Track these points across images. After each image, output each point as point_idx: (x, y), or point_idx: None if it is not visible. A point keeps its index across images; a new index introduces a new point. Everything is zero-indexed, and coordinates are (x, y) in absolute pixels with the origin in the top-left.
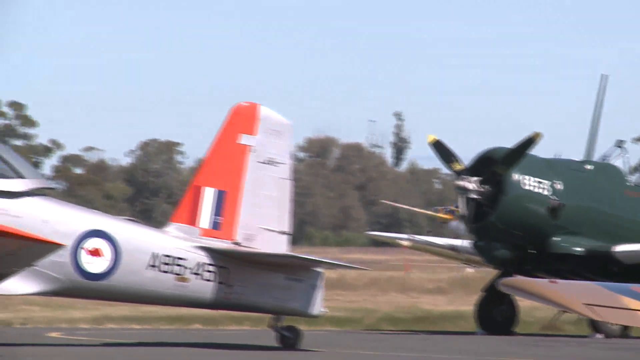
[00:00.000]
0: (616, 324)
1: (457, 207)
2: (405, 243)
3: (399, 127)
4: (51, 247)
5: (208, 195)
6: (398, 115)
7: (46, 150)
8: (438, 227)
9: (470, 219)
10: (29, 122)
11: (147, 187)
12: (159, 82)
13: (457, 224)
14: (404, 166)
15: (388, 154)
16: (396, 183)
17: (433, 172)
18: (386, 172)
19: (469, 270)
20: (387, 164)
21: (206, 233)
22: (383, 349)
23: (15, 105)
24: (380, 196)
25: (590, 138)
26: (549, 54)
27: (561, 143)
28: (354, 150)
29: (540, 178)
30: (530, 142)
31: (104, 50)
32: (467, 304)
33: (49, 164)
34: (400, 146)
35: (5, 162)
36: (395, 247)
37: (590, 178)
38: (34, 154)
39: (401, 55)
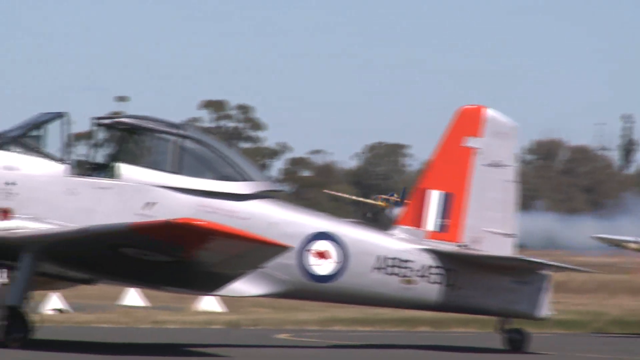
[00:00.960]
0: None
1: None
2: (633, 246)
3: (628, 130)
4: (278, 249)
5: (434, 198)
6: (627, 118)
7: (274, 153)
8: None
9: None
10: (258, 125)
11: (374, 190)
12: (384, 86)
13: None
14: (632, 169)
15: (616, 156)
16: (624, 186)
17: None
18: (614, 175)
19: None
20: (615, 167)
21: (432, 235)
22: (612, 353)
23: (244, 108)
24: (607, 199)
25: None
26: None
27: None
28: (581, 153)
29: None
30: None
31: (336, 53)
32: None
33: (276, 166)
34: (628, 149)
35: (233, 165)
36: (623, 249)
37: None
38: (262, 156)
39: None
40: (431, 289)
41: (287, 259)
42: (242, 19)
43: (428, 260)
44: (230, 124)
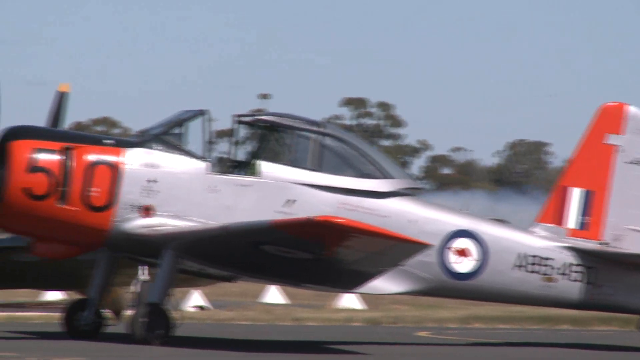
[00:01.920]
0: None
1: None
2: None
3: None
4: (418, 247)
5: (575, 196)
6: None
7: (414, 151)
8: None
9: None
10: (398, 122)
11: (515, 187)
12: (525, 83)
13: None
14: None
15: None
16: None
17: None
18: None
19: None
20: None
21: (573, 233)
22: None
23: (384, 106)
24: None
25: None
26: None
27: None
28: None
29: None
30: None
31: (476, 51)
32: None
33: (417, 164)
34: None
35: (373, 162)
36: None
37: None
38: (402, 154)
39: None
40: (572, 287)
41: (427, 257)
42: (383, 16)
43: (569, 258)
44: (371, 122)
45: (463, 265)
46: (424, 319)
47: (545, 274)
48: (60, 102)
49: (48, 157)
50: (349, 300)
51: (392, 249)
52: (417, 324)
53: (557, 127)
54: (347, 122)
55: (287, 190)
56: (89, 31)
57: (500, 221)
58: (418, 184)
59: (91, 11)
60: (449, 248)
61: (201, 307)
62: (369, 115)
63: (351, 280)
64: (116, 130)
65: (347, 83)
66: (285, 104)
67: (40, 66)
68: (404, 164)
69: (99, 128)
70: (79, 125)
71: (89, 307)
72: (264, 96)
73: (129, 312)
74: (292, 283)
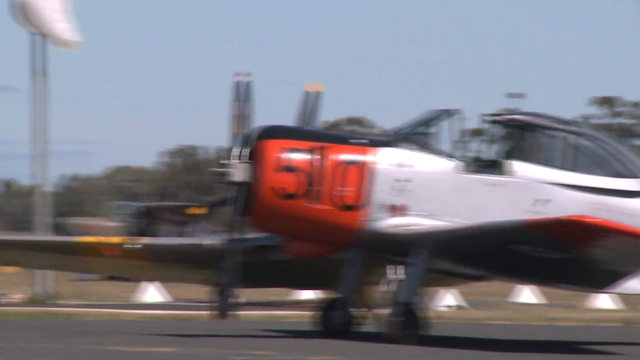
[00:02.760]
0: None
1: None
2: None
3: None
4: None
5: None
6: None
7: None
8: None
9: None
10: None
11: None
12: None
13: None
14: None
15: None
16: None
17: None
18: None
19: None
20: None
21: None
22: None
23: (638, 105)
24: None
25: None
26: None
27: None
28: None
29: None
30: None
31: None
32: None
33: None
34: None
35: (625, 161)
36: None
37: None
38: None
39: None
40: None
41: None
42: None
43: None
44: (623, 121)
45: None
46: None
47: None
48: (312, 101)
49: (299, 157)
50: (604, 300)
51: None
52: None
53: None
54: (598, 121)
55: (538, 190)
56: (341, 33)
57: None
58: None
59: (339, 10)
60: None
61: (457, 307)
62: (620, 114)
63: (604, 280)
64: (368, 130)
65: (596, 82)
66: (536, 103)
67: (291, 66)
68: None
69: (350, 127)
70: (330, 125)
71: (341, 306)
72: (515, 95)
73: (381, 312)
74: (543, 283)
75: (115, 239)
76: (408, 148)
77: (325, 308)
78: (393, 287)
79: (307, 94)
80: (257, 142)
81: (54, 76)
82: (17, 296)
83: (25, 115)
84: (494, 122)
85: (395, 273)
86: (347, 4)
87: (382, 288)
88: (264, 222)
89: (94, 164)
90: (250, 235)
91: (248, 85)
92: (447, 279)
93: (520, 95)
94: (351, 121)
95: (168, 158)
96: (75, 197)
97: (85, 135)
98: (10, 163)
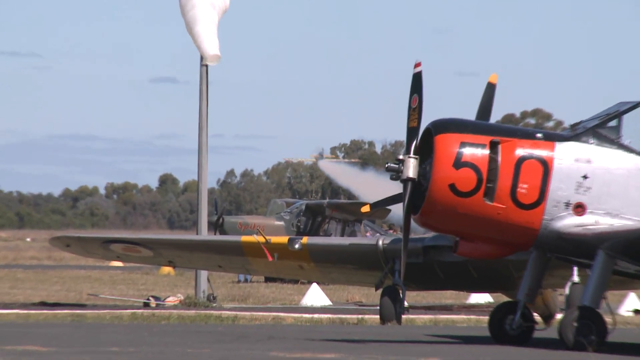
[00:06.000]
0: None
1: None
2: None
3: None
4: None
5: None
6: None
7: None
8: None
9: None
10: None
11: None
12: None
13: None
14: None
15: None
16: None
17: None
18: None
19: None
20: None
21: None
22: None
23: None
24: None
25: None
26: None
27: None
28: None
29: None
30: None
31: None
32: None
33: None
34: None
35: None
36: None
37: None
38: None
39: None
40: None
41: None
42: None
43: None
44: None
45: None
46: None
47: None
48: (490, 93)
49: (475, 152)
50: None
51: None
52: None
53: None
54: None
55: None
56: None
57: None
58: None
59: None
60: None
61: (638, 311)
62: None
63: None
64: (549, 124)
65: None
66: None
67: (466, 57)
68: None
69: (529, 121)
70: (508, 118)
71: (518, 310)
72: None
73: (560, 316)
74: None
75: (280, 239)
76: (592, 143)
77: (501, 312)
78: (574, 290)
79: (489, 85)
80: (430, 136)
81: (214, 69)
82: (173, 299)
83: (177, 109)
84: None
85: (576, 275)
86: None
87: (562, 291)
88: (437, 220)
89: (257, 160)
90: (421, 235)
91: (419, 76)
92: (631, 281)
93: None
94: (529, 114)
95: (339, 153)
96: (237, 194)
97: (249, 130)
98: (163, 159)
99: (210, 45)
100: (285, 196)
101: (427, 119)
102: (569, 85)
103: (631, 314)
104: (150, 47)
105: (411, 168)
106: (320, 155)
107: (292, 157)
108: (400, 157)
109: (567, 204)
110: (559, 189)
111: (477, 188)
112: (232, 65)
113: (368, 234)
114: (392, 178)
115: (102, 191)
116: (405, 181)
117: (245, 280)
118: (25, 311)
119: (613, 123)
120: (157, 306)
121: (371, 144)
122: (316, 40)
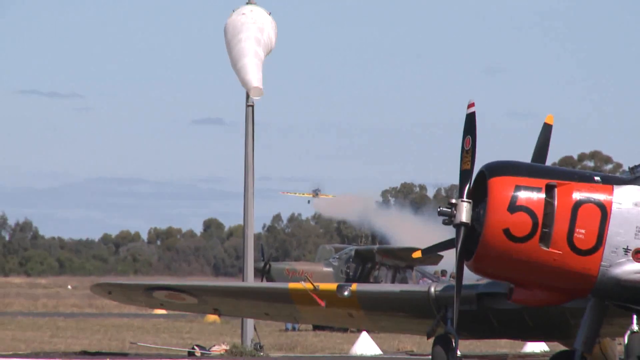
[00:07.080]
0: None
1: None
2: None
3: None
4: None
5: None
6: None
7: None
8: None
9: None
10: None
11: None
12: None
13: None
14: None
15: None
16: None
17: None
18: None
19: None
20: None
21: None
22: None
23: None
24: None
25: None
26: None
27: None
28: None
29: None
30: None
31: None
32: None
33: None
34: None
35: None
36: None
37: None
38: None
39: None
40: None
41: None
42: None
43: None
44: None
45: None
46: None
47: None
48: (546, 135)
49: (530, 195)
50: None
51: None
52: None
53: None
54: None
55: None
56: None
57: None
58: None
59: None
60: None
61: None
62: None
63: None
64: (607, 167)
65: None
66: None
67: (520, 98)
68: None
69: (587, 163)
70: (566, 161)
71: (575, 359)
72: None
73: None
74: None
75: (329, 285)
76: None
77: None
78: (633, 340)
79: (545, 126)
80: (485, 179)
81: (260, 110)
82: (219, 348)
83: (222, 151)
84: None
85: (636, 324)
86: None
87: (621, 340)
88: (491, 266)
89: (304, 204)
90: (473, 282)
91: (473, 117)
92: None
93: None
94: (587, 156)
95: (391, 197)
96: (284, 240)
97: (294, 172)
98: (207, 202)
99: (254, 77)
100: (334, 241)
101: (480, 161)
102: (628, 127)
103: None
104: (194, 88)
105: (464, 212)
106: (316, 193)
107: (289, 191)
108: (453, 200)
109: (627, 250)
110: (618, 234)
111: (533, 233)
112: (279, 106)
113: (420, 281)
114: (444, 222)
115: (145, 236)
116: (458, 226)
117: (293, 329)
118: None
119: None
120: (202, 355)
121: (422, 187)
122: (366, 82)
